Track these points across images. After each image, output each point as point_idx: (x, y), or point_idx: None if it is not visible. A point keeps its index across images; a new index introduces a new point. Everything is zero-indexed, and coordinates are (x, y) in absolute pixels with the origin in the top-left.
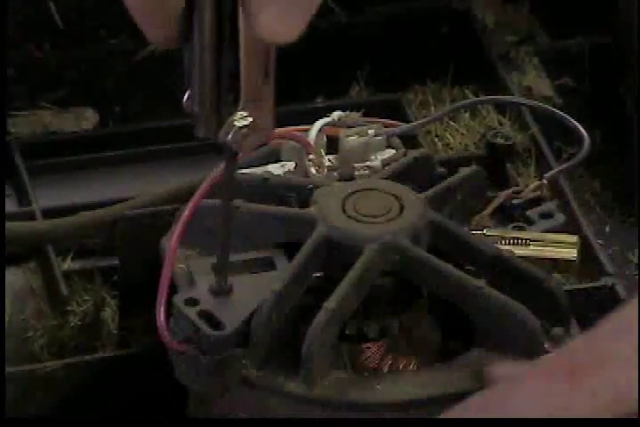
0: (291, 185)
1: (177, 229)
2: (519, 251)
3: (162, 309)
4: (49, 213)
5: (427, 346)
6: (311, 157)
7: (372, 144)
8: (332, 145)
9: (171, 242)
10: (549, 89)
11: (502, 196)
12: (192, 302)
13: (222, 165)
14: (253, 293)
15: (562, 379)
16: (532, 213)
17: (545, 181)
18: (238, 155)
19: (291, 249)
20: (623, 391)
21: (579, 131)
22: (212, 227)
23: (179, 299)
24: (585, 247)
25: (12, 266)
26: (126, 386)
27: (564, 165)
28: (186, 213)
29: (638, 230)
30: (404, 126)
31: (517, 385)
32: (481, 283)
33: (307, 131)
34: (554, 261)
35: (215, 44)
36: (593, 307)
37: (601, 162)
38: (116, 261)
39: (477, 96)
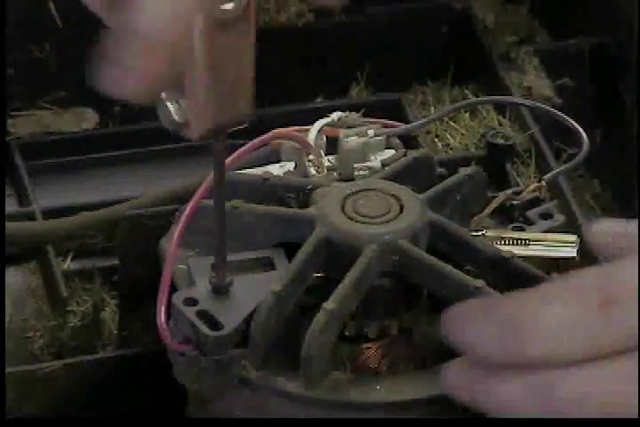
0: (290, 185)
1: (177, 229)
2: (519, 251)
3: (162, 309)
4: (49, 214)
5: (427, 346)
6: (311, 157)
7: (371, 144)
8: (332, 145)
9: (171, 242)
10: (549, 89)
11: (502, 196)
12: (191, 301)
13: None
14: (253, 293)
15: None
16: (531, 213)
17: (544, 183)
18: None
19: (290, 249)
20: None
21: (578, 132)
22: (211, 227)
23: (177, 299)
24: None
25: (11, 266)
26: (126, 386)
27: (564, 167)
28: (186, 213)
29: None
30: (403, 126)
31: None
32: (480, 283)
33: (307, 131)
34: (554, 260)
35: None
36: None
37: (601, 162)
38: (116, 262)
39: (477, 96)
